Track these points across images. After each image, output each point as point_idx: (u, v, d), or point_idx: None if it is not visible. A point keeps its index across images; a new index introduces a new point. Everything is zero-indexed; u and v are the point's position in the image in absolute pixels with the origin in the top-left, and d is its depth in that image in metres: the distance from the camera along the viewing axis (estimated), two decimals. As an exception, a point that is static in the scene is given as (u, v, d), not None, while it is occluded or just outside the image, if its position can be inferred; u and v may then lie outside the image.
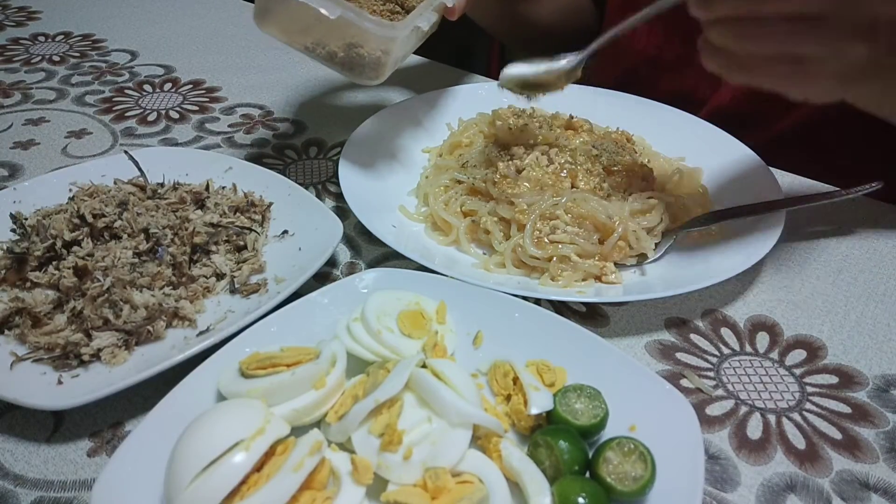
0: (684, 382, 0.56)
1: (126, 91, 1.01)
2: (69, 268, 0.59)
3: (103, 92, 1.01)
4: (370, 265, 0.68)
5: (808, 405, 0.54)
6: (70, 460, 0.50)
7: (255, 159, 0.84)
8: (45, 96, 0.99)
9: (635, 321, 0.62)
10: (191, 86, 1.03)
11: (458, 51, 1.36)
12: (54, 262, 0.61)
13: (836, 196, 0.70)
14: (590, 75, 1.12)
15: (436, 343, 0.52)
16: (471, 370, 0.52)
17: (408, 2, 0.76)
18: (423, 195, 0.75)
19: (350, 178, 0.72)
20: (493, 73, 0.97)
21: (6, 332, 0.57)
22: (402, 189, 0.77)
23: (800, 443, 0.51)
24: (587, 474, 0.45)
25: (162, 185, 0.73)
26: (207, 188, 0.73)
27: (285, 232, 0.69)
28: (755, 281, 0.66)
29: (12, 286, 0.60)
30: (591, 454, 0.46)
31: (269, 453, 0.43)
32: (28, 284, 0.60)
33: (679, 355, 0.59)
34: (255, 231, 0.67)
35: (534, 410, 0.47)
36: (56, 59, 1.10)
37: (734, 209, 0.68)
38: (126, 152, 0.76)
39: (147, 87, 1.02)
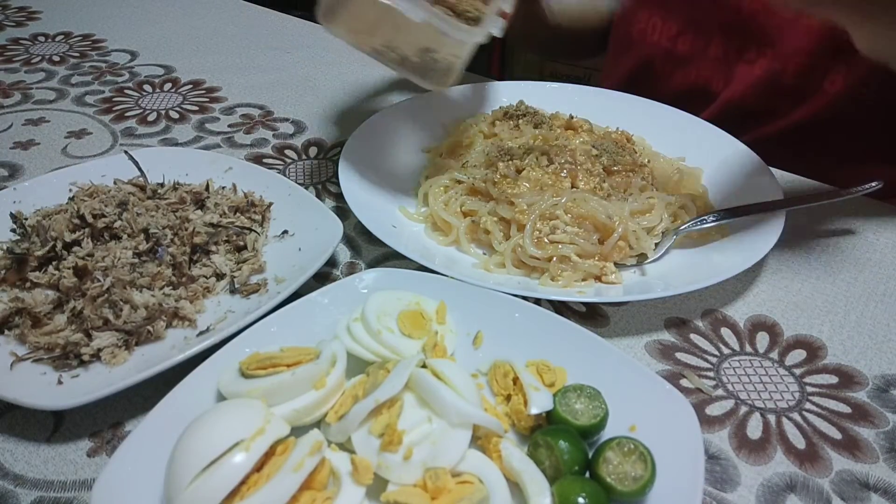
0: (684, 382, 0.56)
1: (126, 91, 1.01)
2: (69, 268, 0.59)
3: (103, 92, 1.01)
4: (370, 265, 0.68)
5: (808, 405, 0.54)
6: (70, 460, 0.50)
7: (255, 159, 0.84)
8: (45, 96, 0.99)
9: (635, 321, 0.62)
10: (191, 86, 1.03)
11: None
12: (54, 263, 0.61)
13: (836, 196, 0.70)
14: (604, 69, 1.11)
15: (436, 343, 0.52)
16: (471, 370, 0.52)
17: (458, 5, 0.74)
18: (423, 195, 0.74)
19: (350, 178, 0.72)
20: (493, 73, 0.97)
21: (6, 332, 0.57)
22: (402, 189, 0.77)
23: (800, 443, 0.51)
24: (587, 474, 0.45)
25: (162, 185, 0.73)
26: (207, 188, 0.73)
27: (285, 232, 0.69)
28: (755, 281, 0.66)
29: (12, 286, 0.60)
30: (591, 454, 0.45)
31: (270, 453, 0.43)
32: (28, 284, 0.60)
33: (679, 355, 0.59)
34: (255, 231, 0.67)
35: (534, 410, 0.47)
36: (56, 59, 1.10)
37: (734, 209, 0.68)
38: (126, 152, 0.76)
39: (147, 88, 1.02)
